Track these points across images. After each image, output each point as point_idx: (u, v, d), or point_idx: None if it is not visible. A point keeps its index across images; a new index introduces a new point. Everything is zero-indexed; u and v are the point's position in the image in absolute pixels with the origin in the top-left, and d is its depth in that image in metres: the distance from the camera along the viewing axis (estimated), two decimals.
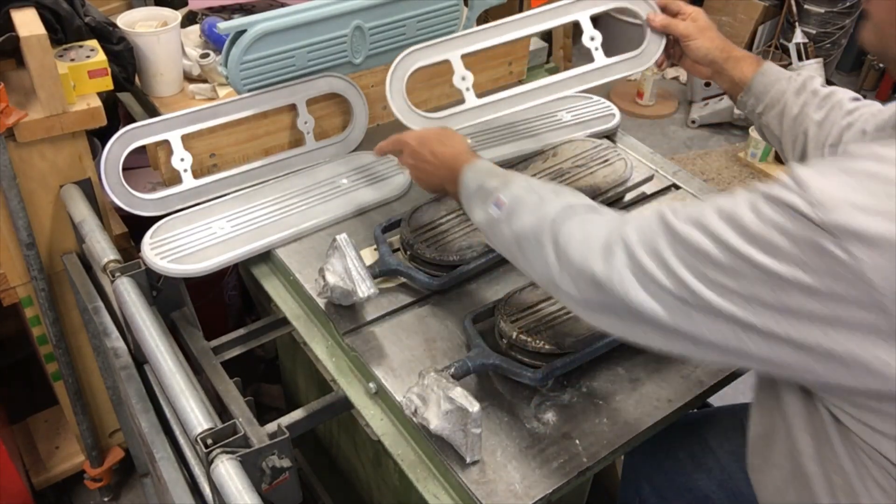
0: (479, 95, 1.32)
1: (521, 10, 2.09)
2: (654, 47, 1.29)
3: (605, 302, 0.74)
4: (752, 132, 3.10)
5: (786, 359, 0.64)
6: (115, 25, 1.51)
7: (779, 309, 0.62)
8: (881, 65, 3.53)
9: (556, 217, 0.82)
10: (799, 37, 3.23)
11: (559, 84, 1.34)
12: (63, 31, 1.35)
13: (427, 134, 1.11)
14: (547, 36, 2.20)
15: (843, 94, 1.07)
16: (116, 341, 1.20)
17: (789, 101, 1.11)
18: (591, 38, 1.34)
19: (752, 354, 0.66)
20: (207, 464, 0.87)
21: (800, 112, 1.09)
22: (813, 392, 0.74)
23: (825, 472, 0.76)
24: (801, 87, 1.11)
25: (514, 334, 1.03)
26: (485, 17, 2.04)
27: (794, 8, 3.41)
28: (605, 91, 3.58)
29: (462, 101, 1.31)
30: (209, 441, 0.89)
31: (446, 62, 1.31)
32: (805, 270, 0.60)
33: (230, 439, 0.90)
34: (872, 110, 1.02)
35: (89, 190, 1.36)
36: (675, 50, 1.25)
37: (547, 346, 1.02)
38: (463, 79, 1.31)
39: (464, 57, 1.38)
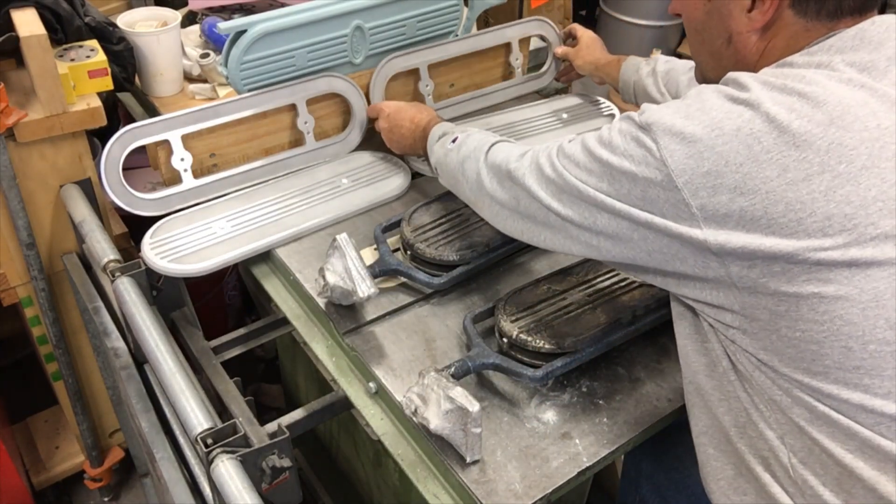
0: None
1: (520, 11, 2.10)
2: (553, 69, 1.70)
3: (514, 196, 0.95)
4: None
5: (627, 233, 0.82)
6: (115, 25, 1.51)
7: (615, 195, 0.81)
8: None
9: (494, 141, 1.05)
10: None
11: (489, 96, 1.65)
12: (63, 31, 1.35)
13: (402, 104, 1.35)
14: None
15: (680, 64, 1.39)
16: (116, 341, 1.20)
17: (648, 86, 1.41)
18: (516, 58, 1.66)
19: (603, 231, 0.84)
20: (207, 463, 0.87)
21: (656, 91, 1.40)
22: (694, 310, 0.87)
23: (719, 384, 0.87)
24: (652, 70, 1.42)
25: (515, 334, 1.03)
26: (485, 17, 2.04)
27: None
28: (605, 91, 3.57)
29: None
30: (209, 441, 0.89)
31: (432, 68, 1.55)
32: (629, 160, 0.79)
33: (230, 439, 0.90)
34: None
35: (89, 190, 1.36)
36: (571, 66, 1.65)
37: (547, 346, 1.02)
38: (427, 86, 1.55)
39: (465, 59, 1.59)
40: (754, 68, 0.84)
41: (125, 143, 1.25)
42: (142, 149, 1.29)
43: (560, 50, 1.65)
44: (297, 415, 1.09)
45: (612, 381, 1.07)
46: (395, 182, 1.40)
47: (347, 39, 1.42)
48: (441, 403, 0.91)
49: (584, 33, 1.62)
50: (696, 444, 0.95)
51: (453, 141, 1.12)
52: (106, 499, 1.86)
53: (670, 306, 0.93)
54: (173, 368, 0.98)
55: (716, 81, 0.82)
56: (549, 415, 1.02)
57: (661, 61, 1.42)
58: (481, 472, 0.94)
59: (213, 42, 1.72)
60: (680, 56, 3.61)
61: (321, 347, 1.15)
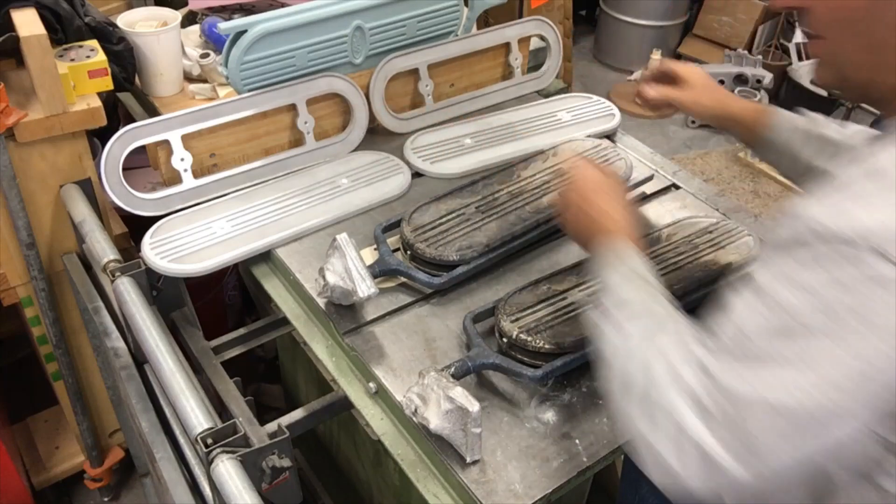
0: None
1: (520, 11, 2.10)
2: (552, 69, 1.69)
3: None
4: None
5: None
6: (115, 25, 1.51)
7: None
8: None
9: (662, 351, 0.76)
10: (799, 37, 3.22)
11: (489, 96, 1.64)
12: (63, 31, 1.35)
13: (603, 182, 0.98)
14: None
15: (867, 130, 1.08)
16: (116, 341, 1.20)
17: (809, 159, 1.10)
18: (516, 58, 1.65)
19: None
20: (207, 463, 0.87)
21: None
22: None
23: None
24: (818, 135, 1.10)
25: (515, 334, 1.03)
26: (485, 17, 2.04)
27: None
28: (605, 91, 3.59)
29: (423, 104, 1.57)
30: (209, 441, 0.89)
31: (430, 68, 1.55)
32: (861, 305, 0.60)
33: (230, 439, 0.90)
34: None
35: (89, 190, 1.36)
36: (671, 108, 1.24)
37: (547, 346, 1.02)
38: (427, 86, 1.55)
39: (465, 59, 1.60)
40: None
41: (125, 143, 1.25)
42: (142, 149, 1.29)
43: (656, 93, 1.22)
44: (297, 415, 1.09)
45: None
46: (395, 182, 1.40)
47: (347, 39, 1.42)
48: (441, 403, 0.91)
49: (691, 73, 1.22)
50: None
51: (616, 306, 0.83)
52: (106, 499, 1.86)
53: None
54: (173, 368, 0.98)
55: (861, 85, 0.69)
56: (549, 415, 1.01)
57: (830, 128, 1.10)
58: (481, 472, 0.94)
59: (213, 42, 1.72)
60: (680, 56, 3.60)
61: (321, 347, 1.15)
